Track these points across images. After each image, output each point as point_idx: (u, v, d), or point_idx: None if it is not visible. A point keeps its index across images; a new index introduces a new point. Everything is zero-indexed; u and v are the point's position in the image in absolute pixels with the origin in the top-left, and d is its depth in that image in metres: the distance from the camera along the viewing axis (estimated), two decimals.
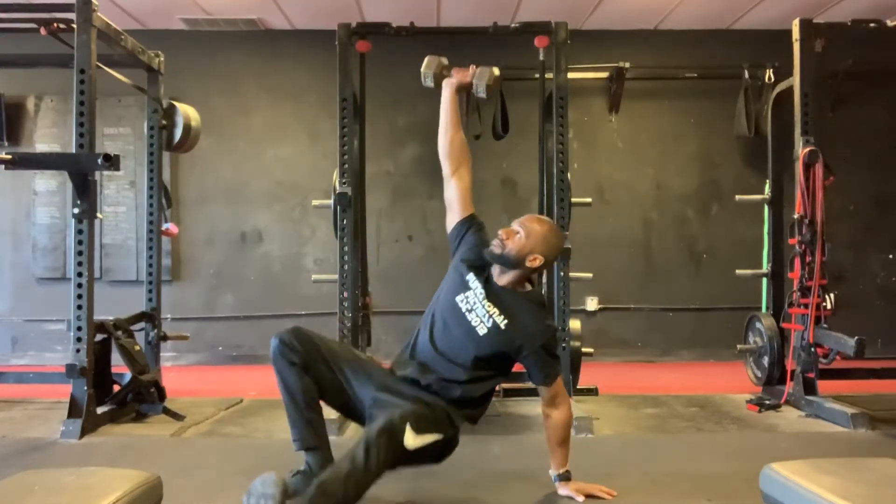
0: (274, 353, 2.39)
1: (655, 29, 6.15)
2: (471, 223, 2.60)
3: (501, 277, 2.49)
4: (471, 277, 2.50)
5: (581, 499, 2.38)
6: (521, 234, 2.44)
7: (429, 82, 2.72)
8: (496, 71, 2.65)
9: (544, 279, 4.17)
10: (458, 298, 2.48)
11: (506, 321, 2.42)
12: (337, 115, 3.97)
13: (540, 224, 2.50)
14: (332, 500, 2.01)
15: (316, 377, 2.41)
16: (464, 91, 2.68)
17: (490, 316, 2.42)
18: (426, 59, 2.72)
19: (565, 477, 2.45)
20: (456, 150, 2.62)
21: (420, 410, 2.27)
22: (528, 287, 2.55)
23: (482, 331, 2.42)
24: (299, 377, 2.38)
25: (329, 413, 3.45)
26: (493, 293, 2.47)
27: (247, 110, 6.20)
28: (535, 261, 2.44)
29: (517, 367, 2.56)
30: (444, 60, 2.73)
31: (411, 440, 2.15)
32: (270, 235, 6.20)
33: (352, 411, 2.51)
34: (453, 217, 2.62)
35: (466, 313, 2.45)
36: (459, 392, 2.42)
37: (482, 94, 2.63)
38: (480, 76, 2.63)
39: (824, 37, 3.97)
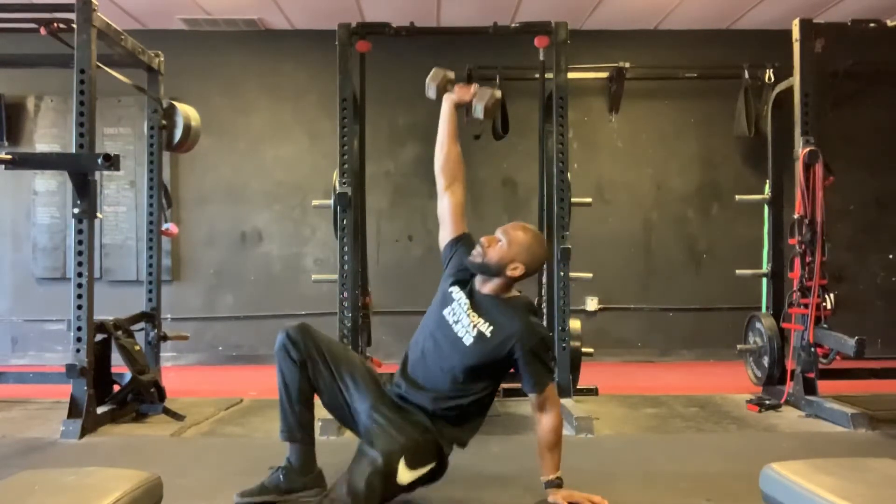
0: (278, 346, 2.43)
1: (655, 29, 6.15)
2: (461, 241, 2.58)
3: (484, 286, 2.46)
4: (454, 290, 2.50)
5: None
6: (502, 242, 2.41)
7: (431, 94, 2.71)
8: (497, 94, 2.61)
9: (544, 279, 4.17)
10: (446, 312, 2.48)
11: (491, 328, 2.38)
12: (337, 115, 3.97)
13: (524, 232, 2.45)
14: None
15: (314, 376, 2.42)
16: (462, 107, 2.66)
17: (475, 325, 2.40)
18: (433, 71, 2.70)
19: (556, 484, 2.35)
20: (452, 163, 2.61)
21: (412, 444, 2.24)
22: (514, 293, 2.50)
23: (468, 341, 2.39)
24: (298, 373, 2.41)
25: (328, 413, 3.45)
26: (476, 302, 2.44)
27: (247, 110, 6.20)
28: (515, 270, 2.40)
29: None
30: (451, 74, 2.70)
31: (406, 476, 2.20)
32: (270, 235, 6.20)
33: (344, 417, 2.49)
34: (446, 234, 2.61)
35: (453, 325, 2.43)
36: (451, 406, 2.39)
37: (479, 115, 2.60)
38: (480, 97, 2.59)
39: (824, 37, 3.98)
